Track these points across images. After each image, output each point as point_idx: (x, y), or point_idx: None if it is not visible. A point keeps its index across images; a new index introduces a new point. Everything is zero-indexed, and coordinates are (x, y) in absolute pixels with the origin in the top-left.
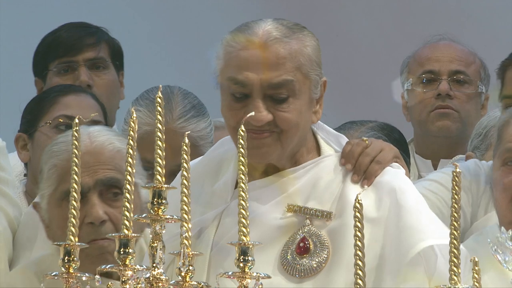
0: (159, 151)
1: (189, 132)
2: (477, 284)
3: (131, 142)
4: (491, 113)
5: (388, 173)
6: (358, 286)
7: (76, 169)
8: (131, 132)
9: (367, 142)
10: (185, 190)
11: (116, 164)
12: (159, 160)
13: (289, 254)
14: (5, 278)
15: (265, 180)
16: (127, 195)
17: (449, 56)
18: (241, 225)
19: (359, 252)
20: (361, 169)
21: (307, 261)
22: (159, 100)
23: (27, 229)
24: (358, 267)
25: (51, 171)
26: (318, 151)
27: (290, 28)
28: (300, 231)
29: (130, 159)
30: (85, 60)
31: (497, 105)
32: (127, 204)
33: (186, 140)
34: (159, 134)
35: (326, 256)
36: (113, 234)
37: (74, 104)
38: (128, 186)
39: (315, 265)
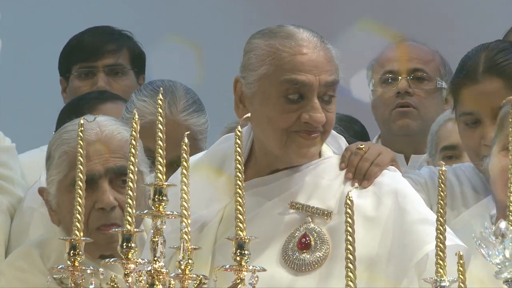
0: (160, 151)
1: (188, 132)
2: (462, 277)
3: (133, 142)
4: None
5: (387, 175)
6: (349, 278)
7: (81, 167)
8: (133, 133)
9: (363, 148)
10: (184, 187)
11: (125, 153)
12: (160, 159)
13: (290, 249)
14: (8, 259)
15: (273, 177)
16: (130, 192)
17: (408, 55)
18: (238, 220)
19: (350, 247)
20: (361, 173)
21: (307, 256)
22: (160, 102)
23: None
24: (349, 260)
25: (62, 158)
26: (319, 152)
27: (319, 35)
28: (302, 227)
29: (132, 158)
30: (104, 66)
31: None
32: (129, 200)
33: (186, 140)
34: (160, 134)
35: (326, 251)
36: (117, 230)
37: (112, 112)
38: (130, 184)
39: (315, 260)
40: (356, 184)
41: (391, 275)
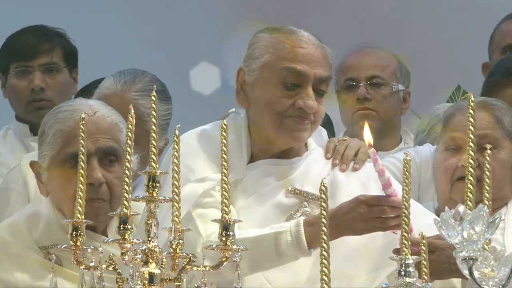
0: (153, 142)
1: (179, 125)
2: (424, 256)
3: (129, 134)
4: (432, 111)
5: (368, 164)
6: (323, 257)
7: (82, 157)
8: (130, 126)
9: (347, 140)
10: (175, 175)
11: (114, 135)
12: (153, 149)
13: None
14: None
15: (278, 161)
16: (126, 179)
17: (366, 63)
18: (224, 204)
19: (324, 228)
20: (348, 159)
21: None
22: (153, 105)
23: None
24: (323, 240)
25: (56, 136)
26: (306, 145)
27: (317, 37)
28: (299, 210)
29: (128, 148)
30: (39, 65)
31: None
32: (126, 187)
33: (177, 132)
34: (153, 127)
35: None
36: (113, 213)
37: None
38: (127, 172)
39: None
40: (345, 166)
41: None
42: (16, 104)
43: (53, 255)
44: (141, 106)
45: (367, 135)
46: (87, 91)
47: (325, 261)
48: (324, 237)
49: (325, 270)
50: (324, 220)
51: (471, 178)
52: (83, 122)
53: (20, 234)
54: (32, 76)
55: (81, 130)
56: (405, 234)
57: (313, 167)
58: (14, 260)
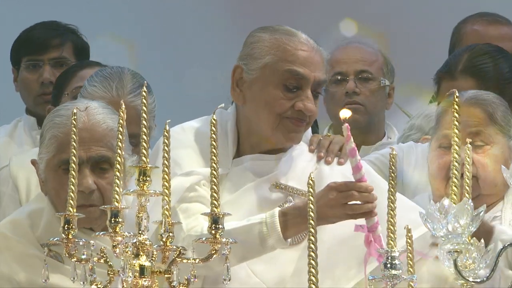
0: (144, 136)
1: (169, 121)
2: (410, 248)
3: (120, 129)
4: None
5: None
6: (311, 250)
7: (74, 151)
8: (121, 121)
9: (331, 136)
10: (166, 169)
11: (108, 142)
12: (144, 144)
13: None
14: None
15: (263, 156)
16: (117, 173)
17: (354, 58)
18: (213, 198)
19: (312, 221)
20: (333, 153)
21: None
22: (144, 100)
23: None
24: (311, 234)
25: (52, 141)
26: None
27: (314, 39)
28: (285, 205)
29: (120, 143)
30: (49, 59)
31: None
32: (117, 180)
33: (167, 127)
34: (144, 122)
35: None
36: (105, 206)
37: (88, 76)
38: (118, 166)
39: (297, 235)
40: (330, 159)
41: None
42: (26, 97)
43: (52, 252)
44: (139, 106)
45: (345, 112)
46: (66, 77)
47: (312, 254)
48: (312, 230)
49: (313, 262)
50: (311, 214)
51: (455, 172)
52: (75, 117)
53: (22, 231)
54: (42, 69)
55: (72, 125)
56: (391, 227)
57: (297, 162)
58: (15, 257)
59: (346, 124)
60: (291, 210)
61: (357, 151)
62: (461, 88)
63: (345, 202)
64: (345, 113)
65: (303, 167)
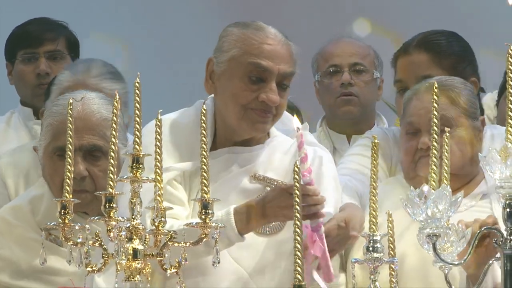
0: (137, 126)
1: (161, 110)
2: (391, 232)
3: (114, 118)
4: None
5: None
6: (296, 234)
7: (70, 140)
8: (115, 110)
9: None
10: (158, 156)
11: (100, 131)
12: (137, 132)
13: None
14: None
15: (241, 149)
16: (111, 160)
17: (348, 51)
18: (203, 185)
19: (297, 207)
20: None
21: None
22: (137, 91)
23: None
24: (296, 218)
25: (48, 128)
26: (268, 133)
27: (284, 34)
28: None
29: (114, 132)
30: (44, 52)
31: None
32: (111, 168)
33: (159, 117)
34: (137, 112)
35: None
36: (100, 192)
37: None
38: (112, 153)
39: (275, 225)
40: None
41: None
42: (22, 89)
43: (52, 236)
44: (105, 89)
45: (296, 122)
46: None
47: (298, 238)
48: (298, 215)
49: (298, 246)
50: (297, 199)
51: (435, 159)
52: (71, 107)
53: (23, 216)
54: (38, 62)
55: (69, 115)
56: (373, 212)
57: (274, 154)
58: (17, 241)
59: (300, 132)
60: (246, 208)
61: (308, 158)
62: (416, 63)
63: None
64: (296, 123)
65: (280, 159)
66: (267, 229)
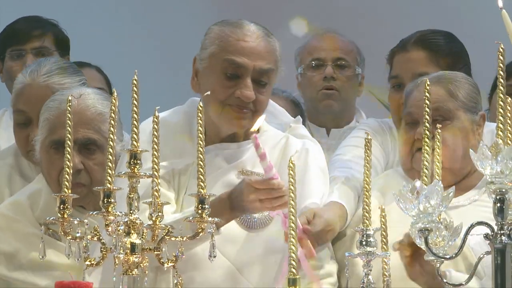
0: (135, 122)
1: (158, 107)
2: (384, 226)
3: (112, 115)
4: None
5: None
6: (291, 228)
7: (69, 136)
8: (113, 107)
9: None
10: (155, 153)
11: (95, 126)
12: (135, 129)
13: None
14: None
15: (229, 145)
16: (110, 156)
17: (332, 46)
18: (199, 180)
19: (292, 202)
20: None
21: (258, 216)
22: (134, 88)
23: None
24: (291, 213)
25: (44, 123)
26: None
27: (266, 30)
28: None
29: (112, 128)
30: (31, 49)
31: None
32: (109, 163)
33: (157, 113)
34: (135, 109)
35: None
36: (98, 188)
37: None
38: (110, 149)
39: (265, 219)
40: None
41: None
42: (11, 86)
43: (50, 230)
44: (54, 84)
45: (257, 124)
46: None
47: (292, 232)
48: (292, 210)
49: (293, 240)
50: (292, 194)
51: (426, 156)
52: (70, 104)
53: (22, 212)
54: (25, 58)
55: (67, 112)
56: (367, 207)
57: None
58: (17, 236)
59: (254, 135)
60: (217, 203)
61: (266, 155)
62: (413, 60)
63: (262, 198)
64: (256, 126)
65: (269, 153)
66: (255, 222)
